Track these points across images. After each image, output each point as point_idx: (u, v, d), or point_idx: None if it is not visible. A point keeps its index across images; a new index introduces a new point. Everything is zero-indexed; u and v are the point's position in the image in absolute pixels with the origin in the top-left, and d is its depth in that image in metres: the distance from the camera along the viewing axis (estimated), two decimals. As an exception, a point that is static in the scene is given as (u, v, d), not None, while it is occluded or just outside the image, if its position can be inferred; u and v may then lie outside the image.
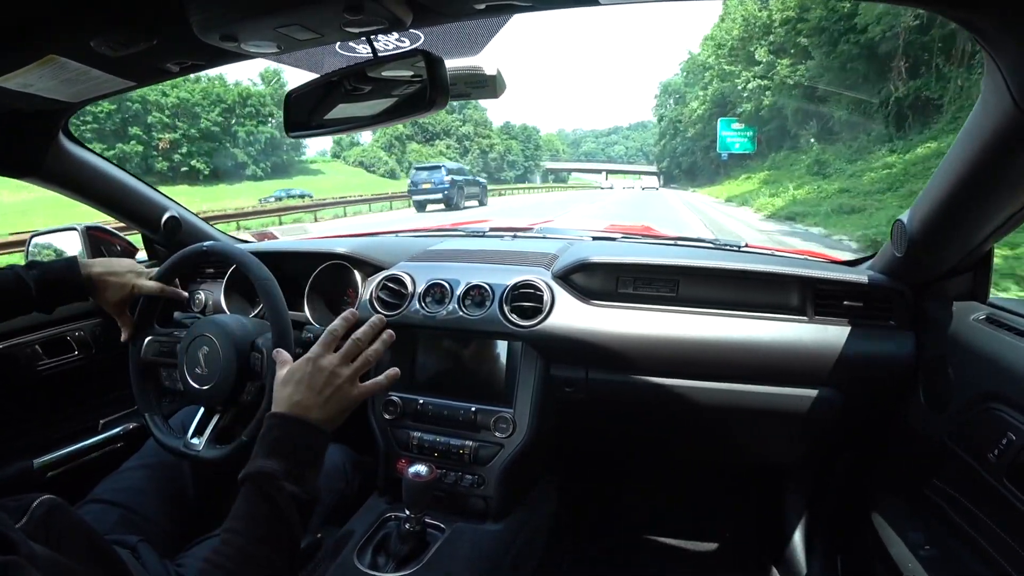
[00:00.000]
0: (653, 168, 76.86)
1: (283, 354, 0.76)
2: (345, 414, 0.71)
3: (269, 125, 38.35)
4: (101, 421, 1.32)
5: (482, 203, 20.04)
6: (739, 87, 29.38)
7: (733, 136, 32.24)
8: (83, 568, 0.55)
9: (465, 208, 17.66)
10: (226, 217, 13.47)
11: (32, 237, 1.41)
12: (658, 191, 49.11)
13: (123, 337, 1.02)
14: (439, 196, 17.29)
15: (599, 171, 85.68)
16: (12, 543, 0.46)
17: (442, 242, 1.46)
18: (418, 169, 18.61)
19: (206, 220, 1.54)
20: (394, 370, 0.77)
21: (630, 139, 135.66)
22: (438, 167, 18.19)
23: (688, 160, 53.62)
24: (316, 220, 15.96)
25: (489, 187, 24.73)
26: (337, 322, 0.75)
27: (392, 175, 46.68)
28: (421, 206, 17.69)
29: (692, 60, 46.28)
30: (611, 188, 61.41)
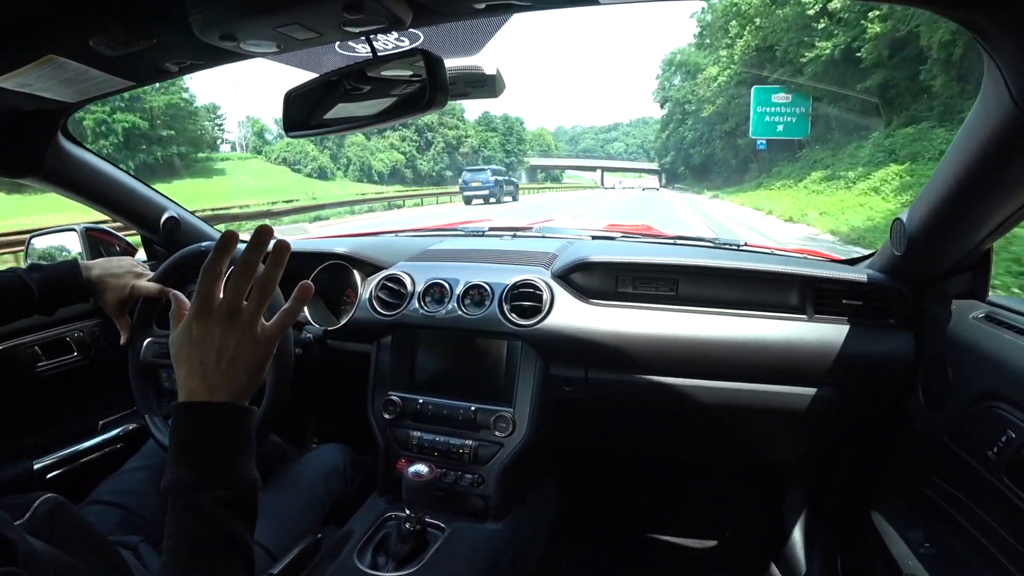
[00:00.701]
0: (653, 165, 69.69)
1: (179, 299, 0.62)
2: (261, 372, 0.57)
3: (135, 114, 25.51)
4: (101, 422, 1.32)
5: (515, 199, 23.83)
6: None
7: (775, 113, 20.97)
8: (85, 566, 0.54)
9: (503, 202, 21.82)
10: (232, 218, 13.44)
11: (31, 238, 1.41)
12: (659, 191, 44.78)
13: (122, 340, 1.01)
14: (485, 193, 21.23)
15: (593, 168, 77.56)
16: (12, 544, 0.45)
17: (441, 242, 1.46)
18: (469, 171, 22.94)
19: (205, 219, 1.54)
20: (303, 284, 0.58)
21: (631, 135, 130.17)
22: (484, 170, 22.92)
23: (702, 152, 39.79)
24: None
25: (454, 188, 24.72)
26: (209, 256, 0.55)
27: (322, 174, 34.97)
28: (468, 200, 21.35)
29: (712, 9, 29.95)
30: (612, 188, 56.35)
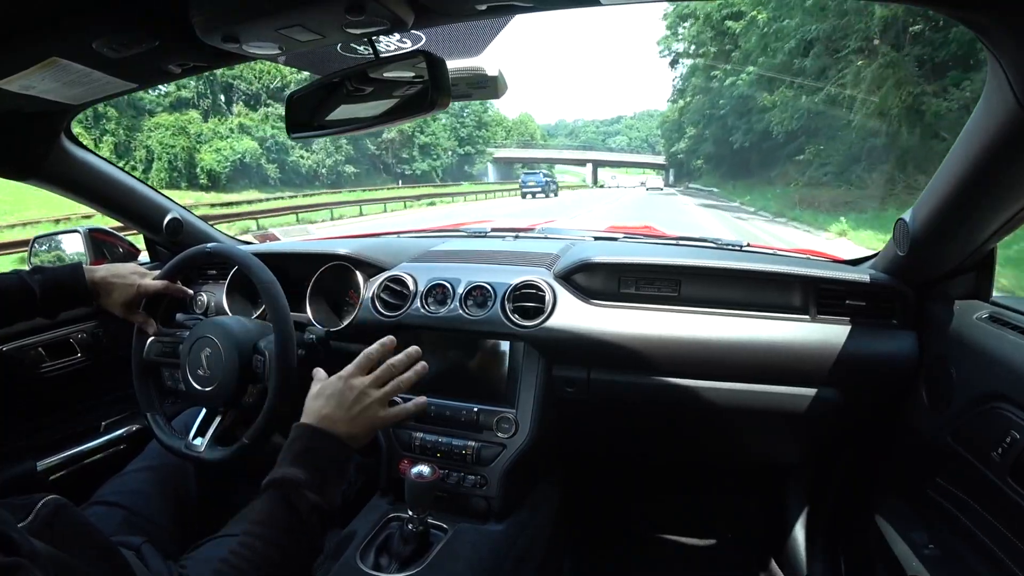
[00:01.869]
0: (658, 159, 56.57)
1: (320, 372, 0.79)
2: (371, 434, 0.73)
3: None
4: (104, 423, 1.32)
5: (556, 195, 29.81)
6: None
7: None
8: (88, 568, 0.55)
9: (550, 198, 27.84)
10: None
11: (35, 240, 1.41)
12: (673, 195, 32.56)
13: (149, 331, 1.04)
14: (537, 190, 27.78)
15: (582, 162, 60.38)
16: (14, 543, 0.46)
17: (444, 243, 1.46)
18: (526, 174, 29.88)
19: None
20: (422, 399, 0.81)
21: (634, 128, 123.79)
22: (537, 172, 31.30)
23: (739, 133, 24.66)
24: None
25: (368, 192, 24.19)
26: (374, 346, 0.78)
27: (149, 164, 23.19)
28: (524, 196, 28.01)
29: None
30: (606, 187, 48.73)
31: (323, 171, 31.53)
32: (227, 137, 26.24)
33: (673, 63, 36.38)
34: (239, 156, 25.62)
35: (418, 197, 24.78)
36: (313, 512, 0.63)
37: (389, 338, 0.80)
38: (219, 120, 27.28)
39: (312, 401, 0.72)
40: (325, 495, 0.65)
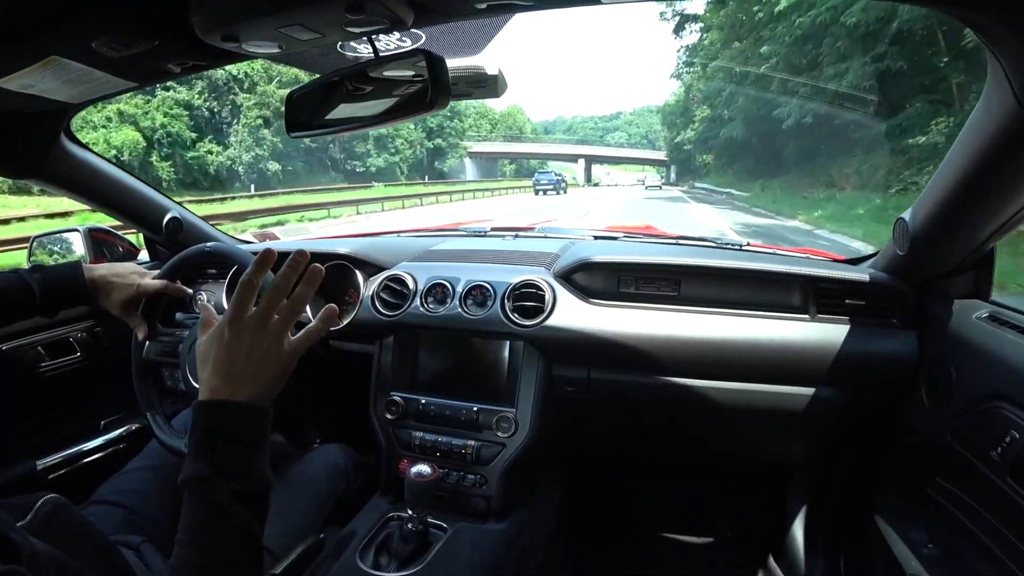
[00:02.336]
0: (659, 154, 53.34)
1: (207, 309, 0.67)
2: (282, 380, 0.61)
3: None
4: (103, 422, 1.32)
5: (565, 192, 32.55)
6: None
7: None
8: (87, 567, 0.55)
9: (561, 195, 30.39)
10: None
11: (35, 239, 1.41)
12: (660, 189, 35.77)
13: (140, 336, 1.02)
14: (551, 187, 30.99)
15: (574, 157, 54.94)
16: (14, 545, 0.46)
17: (444, 242, 1.46)
18: (540, 173, 33.88)
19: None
20: (330, 307, 0.65)
21: (634, 124, 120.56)
22: (549, 172, 35.30)
23: (763, 118, 18.72)
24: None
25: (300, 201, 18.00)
26: (248, 270, 0.62)
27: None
28: (536, 193, 31.06)
29: None
30: (597, 184, 44.35)
31: (240, 169, 25.88)
32: (101, 127, 21.02)
33: (678, 28, 28.64)
34: (115, 151, 20.47)
35: (357, 202, 18.80)
36: (234, 501, 0.54)
37: (266, 250, 0.64)
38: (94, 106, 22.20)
39: (201, 369, 0.60)
40: (247, 476, 0.56)
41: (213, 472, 0.55)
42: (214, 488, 0.54)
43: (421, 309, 1.16)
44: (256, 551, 0.56)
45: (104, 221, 1.52)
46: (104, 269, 0.97)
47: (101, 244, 1.40)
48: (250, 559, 0.55)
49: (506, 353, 1.14)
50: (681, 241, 1.40)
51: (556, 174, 33.26)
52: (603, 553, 1.49)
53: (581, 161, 55.01)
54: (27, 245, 1.43)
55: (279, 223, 13.84)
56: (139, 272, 1.00)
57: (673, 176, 48.67)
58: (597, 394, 1.13)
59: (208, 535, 0.54)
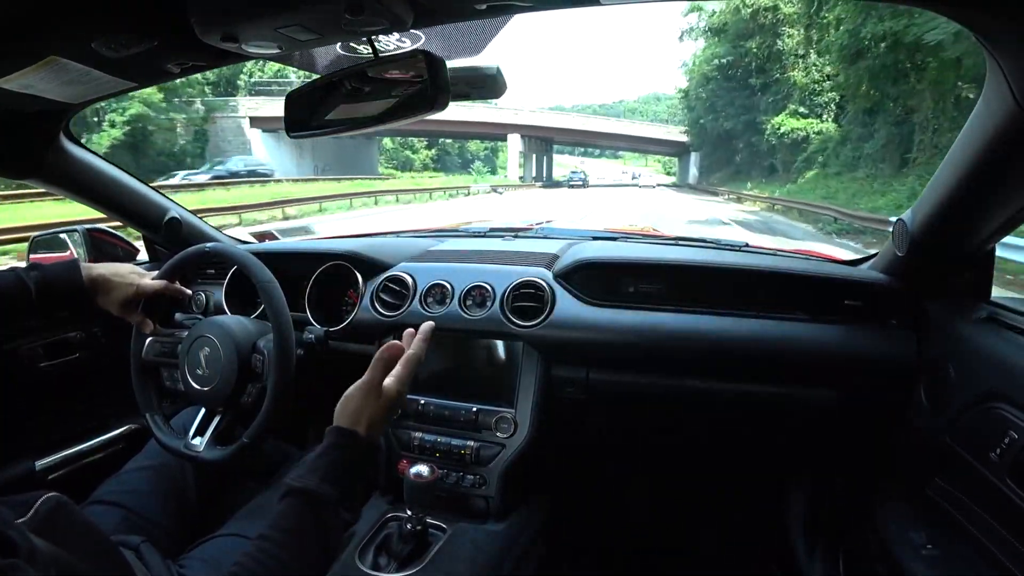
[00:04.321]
0: (673, 133, 34.74)
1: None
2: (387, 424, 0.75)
3: None
4: (102, 422, 1.32)
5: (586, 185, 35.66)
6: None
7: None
8: (87, 565, 0.55)
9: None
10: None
11: (34, 239, 1.41)
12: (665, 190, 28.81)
13: (146, 331, 1.03)
14: (580, 184, 33.74)
15: (496, 135, 35.53)
16: (12, 543, 0.46)
17: (443, 242, 1.46)
18: (573, 173, 35.71)
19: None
20: (429, 324, 0.82)
21: (637, 113, 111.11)
22: (578, 172, 37.54)
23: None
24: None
25: None
26: (420, 347, 0.78)
27: None
28: (565, 186, 33.47)
29: None
30: (581, 183, 33.45)
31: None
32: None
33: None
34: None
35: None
36: (341, 528, 0.63)
37: (387, 350, 0.77)
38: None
39: (342, 412, 0.71)
40: (353, 509, 0.65)
41: (336, 496, 0.62)
42: (332, 512, 0.61)
43: (420, 309, 1.16)
44: (328, 565, 0.62)
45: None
46: (103, 268, 0.97)
47: (100, 244, 1.40)
48: (321, 571, 0.61)
49: (505, 354, 1.14)
50: (680, 241, 1.40)
51: (582, 171, 38.22)
52: (603, 553, 1.49)
53: (516, 139, 32.24)
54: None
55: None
56: (138, 272, 1.00)
57: (694, 170, 33.17)
58: (596, 395, 1.13)
59: (304, 546, 0.59)
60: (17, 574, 0.42)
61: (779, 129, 22.39)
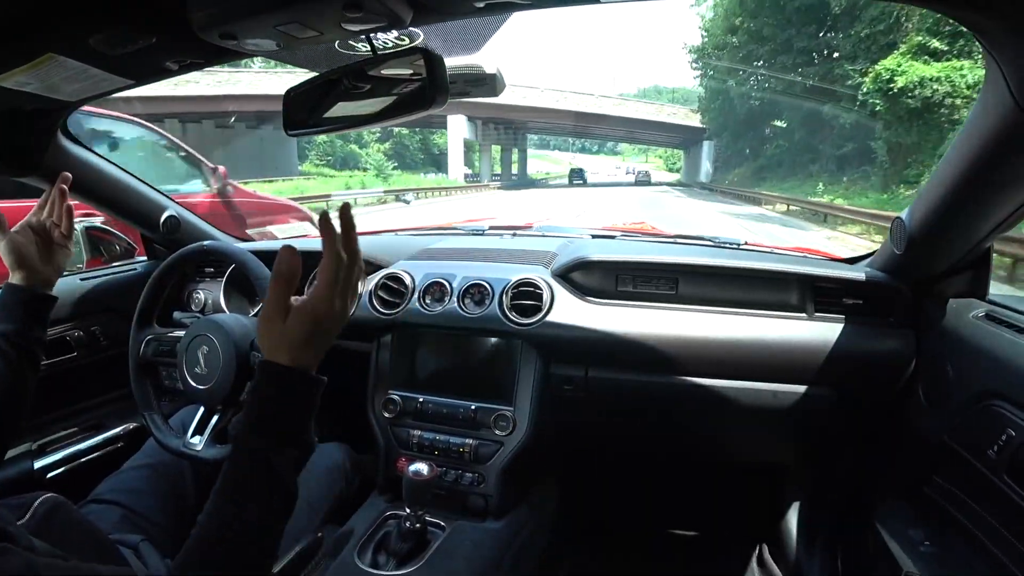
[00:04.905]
0: (685, 116, 27.47)
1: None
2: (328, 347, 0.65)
3: None
4: (101, 421, 1.32)
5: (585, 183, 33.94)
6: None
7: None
8: (86, 565, 0.55)
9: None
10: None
11: None
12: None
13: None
14: (581, 182, 31.81)
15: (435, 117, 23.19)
16: (11, 537, 0.46)
17: (441, 240, 1.46)
18: (573, 170, 35.10)
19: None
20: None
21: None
22: (583, 170, 37.00)
23: None
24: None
25: None
26: (283, 268, 0.64)
27: None
28: (542, 186, 30.80)
29: None
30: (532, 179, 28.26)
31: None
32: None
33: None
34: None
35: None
36: (291, 465, 0.58)
37: (285, 252, 0.64)
38: None
39: (260, 341, 0.62)
40: (303, 443, 0.60)
41: (278, 440, 0.57)
42: (279, 454, 0.57)
43: (419, 307, 1.16)
44: (291, 509, 0.58)
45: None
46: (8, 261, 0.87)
47: (99, 242, 1.39)
48: (286, 518, 0.58)
49: (504, 352, 1.14)
50: (679, 240, 1.40)
51: (583, 170, 37.78)
52: (601, 551, 1.50)
53: (459, 121, 24.40)
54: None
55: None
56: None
57: (707, 164, 25.50)
58: (595, 393, 1.13)
59: (262, 495, 0.56)
60: (8, 556, 0.43)
61: (891, 82, 11.83)
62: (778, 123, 17.63)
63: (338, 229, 0.66)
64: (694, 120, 26.70)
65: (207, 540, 0.54)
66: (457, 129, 25.00)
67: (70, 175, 0.91)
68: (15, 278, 0.85)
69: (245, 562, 0.54)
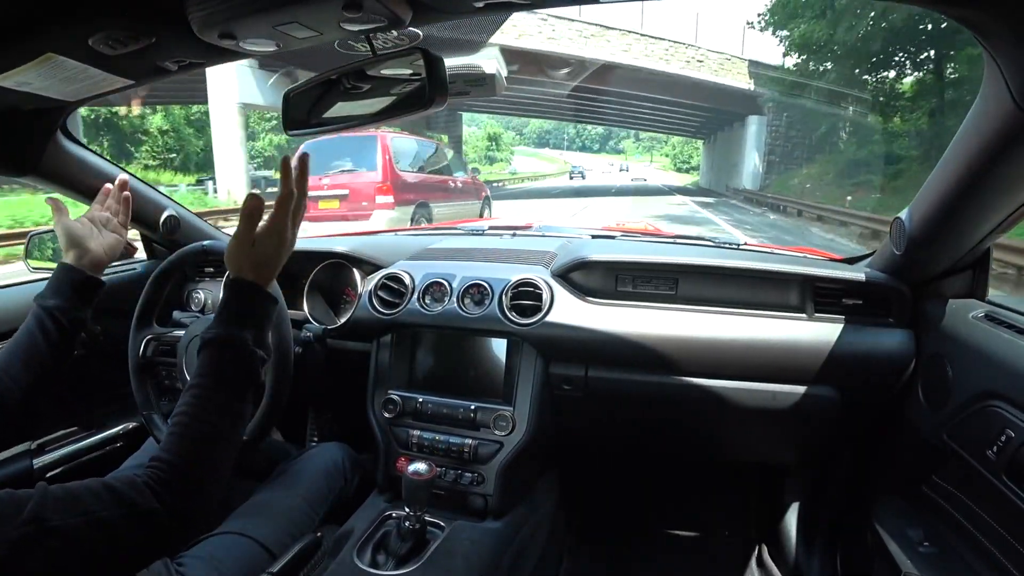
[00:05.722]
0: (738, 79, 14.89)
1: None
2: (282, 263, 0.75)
3: None
4: (100, 421, 1.32)
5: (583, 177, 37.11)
6: None
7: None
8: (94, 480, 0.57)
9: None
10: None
11: (31, 236, 1.41)
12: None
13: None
14: (582, 178, 33.88)
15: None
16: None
17: (441, 240, 1.46)
18: (574, 168, 37.15)
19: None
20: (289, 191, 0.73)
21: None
22: (578, 168, 40.33)
23: None
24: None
25: None
26: (252, 209, 0.71)
27: None
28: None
29: None
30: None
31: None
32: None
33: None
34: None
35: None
36: (259, 365, 0.69)
37: (248, 201, 0.72)
38: None
39: (229, 264, 0.72)
40: (264, 347, 0.71)
41: (251, 338, 0.68)
42: (251, 351, 0.68)
43: (418, 307, 1.16)
44: (258, 391, 0.73)
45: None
46: (73, 239, 0.90)
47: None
48: (254, 394, 0.70)
49: (504, 352, 1.14)
50: (679, 240, 1.40)
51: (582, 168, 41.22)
52: (600, 550, 1.50)
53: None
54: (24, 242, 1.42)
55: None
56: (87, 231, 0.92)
57: (755, 159, 16.80)
58: (594, 393, 1.13)
59: (234, 384, 0.67)
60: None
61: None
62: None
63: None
64: (742, 80, 16.10)
65: (184, 423, 0.63)
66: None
67: (127, 178, 0.99)
68: (68, 257, 0.90)
69: (217, 436, 0.64)
